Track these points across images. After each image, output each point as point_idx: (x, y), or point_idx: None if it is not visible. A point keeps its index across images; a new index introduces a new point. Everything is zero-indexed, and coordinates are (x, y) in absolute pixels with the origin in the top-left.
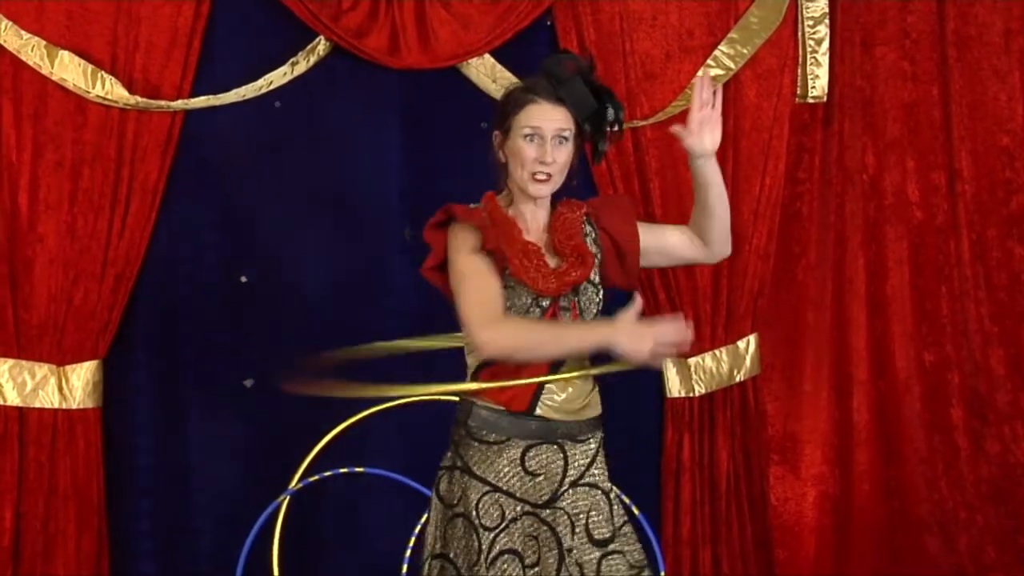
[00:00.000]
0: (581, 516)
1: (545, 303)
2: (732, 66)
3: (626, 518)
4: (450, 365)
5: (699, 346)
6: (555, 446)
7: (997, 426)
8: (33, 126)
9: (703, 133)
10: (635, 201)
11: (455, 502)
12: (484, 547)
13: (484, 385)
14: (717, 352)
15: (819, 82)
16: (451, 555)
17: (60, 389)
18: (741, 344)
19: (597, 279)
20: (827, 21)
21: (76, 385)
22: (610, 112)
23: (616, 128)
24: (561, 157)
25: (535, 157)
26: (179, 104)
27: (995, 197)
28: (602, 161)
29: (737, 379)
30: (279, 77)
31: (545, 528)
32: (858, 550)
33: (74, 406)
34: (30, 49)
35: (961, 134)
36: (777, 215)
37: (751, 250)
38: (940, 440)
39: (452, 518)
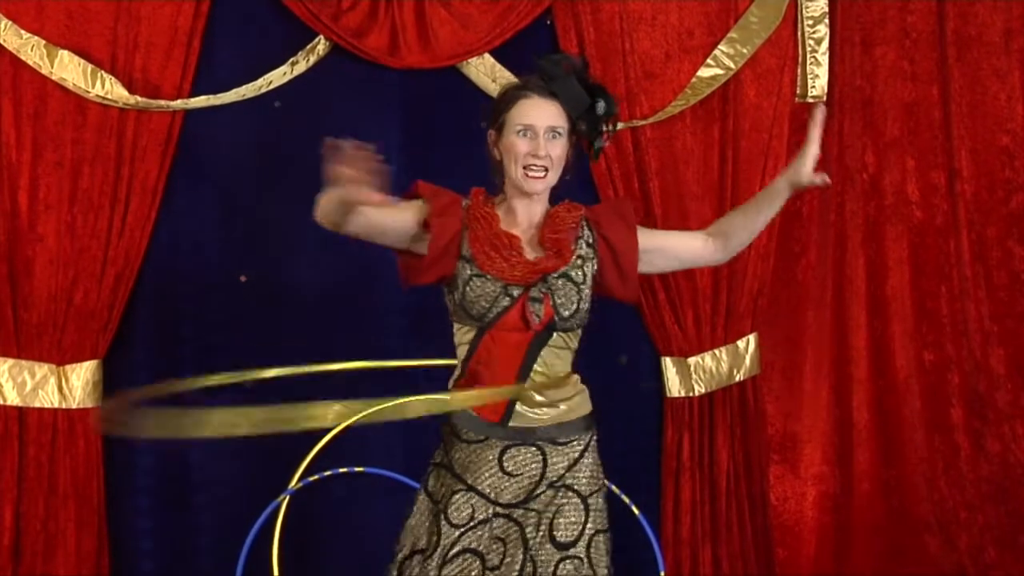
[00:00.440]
0: (548, 517)
1: (515, 292)
2: (732, 66)
3: (604, 528)
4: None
5: (698, 346)
6: (534, 448)
7: (997, 425)
8: (33, 126)
9: (807, 160)
10: (636, 203)
11: (440, 498)
12: (445, 543)
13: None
14: (717, 352)
15: (819, 81)
16: (428, 550)
17: (60, 389)
18: (741, 344)
19: (582, 278)
20: (827, 21)
21: (76, 385)
22: (602, 107)
23: (611, 125)
24: (555, 152)
25: (528, 151)
26: (179, 104)
27: (995, 196)
28: (600, 159)
29: (737, 379)
30: (279, 77)
31: (515, 528)
32: (858, 549)
33: (74, 406)
34: (30, 49)
35: (961, 133)
36: (777, 215)
37: (751, 250)
38: (940, 440)
39: (436, 514)
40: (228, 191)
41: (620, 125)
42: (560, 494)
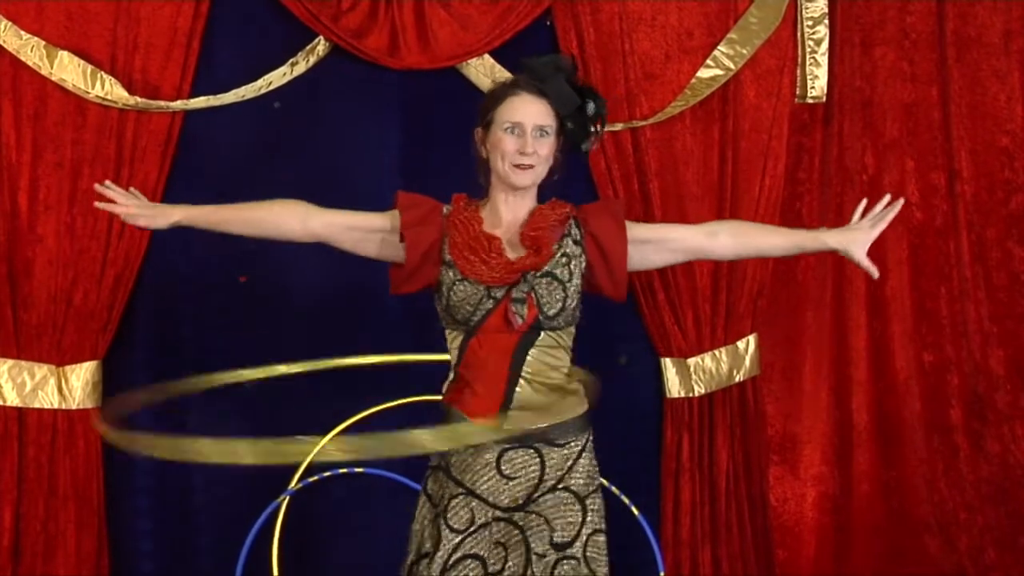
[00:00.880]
0: (548, 519)
1: (498, 294)
2: (731, 66)
3: (601, 528)
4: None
5: (698, 346)
6: (531, 450)
7: (997, 426)
8: (33, 126)
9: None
10: (631, 203)
11: (439, 501)
12: (446, 548)
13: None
14: (717, 352)
15: (818, 82)
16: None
17: (60, 389)
18: (741, 344)
19: (567, 276)
20: (826, 21)
21: (76, 385)
22: (592, 108)
23: (600, 126)
24: (543, 150)
25: (515, 148)
26: (178, 104)
27: (994, 197)
28: (600, 159)
29: (737, 379)
30: (278, 77)
31: (516, 532)
32: (858, 550)
33: (74, 406)
34: (29, 49)
35: (960, 134)
36: (777, 215)
37: None
38: (940, 440)
39: (436, 516)
40: (228, 192)
41: (620, 126)
42: (560, 496)
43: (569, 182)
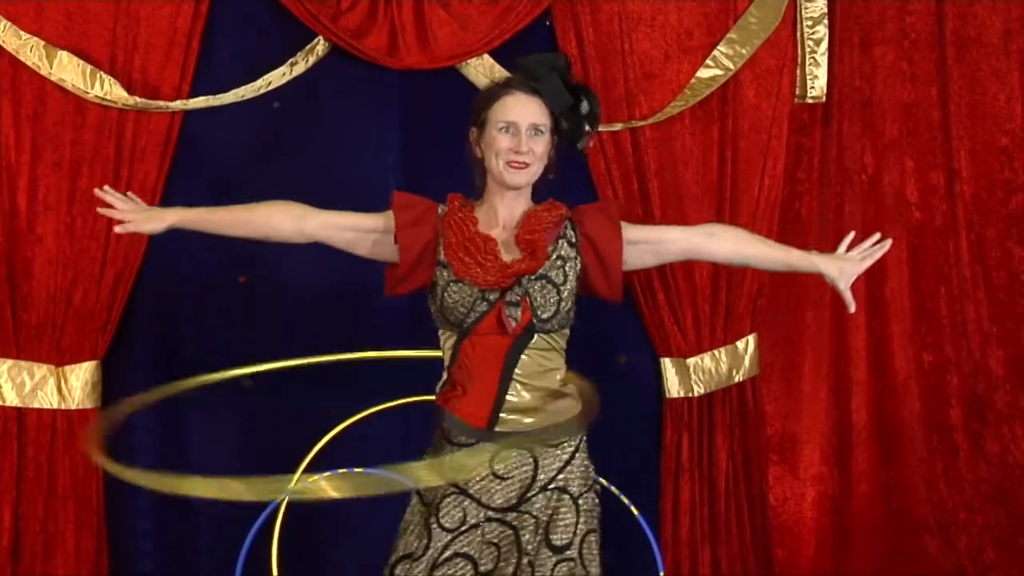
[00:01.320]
0: (544, 520)
1: (492, 297)
2: (731, 66)
3: (595, 528)
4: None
5: (697, 346)
6: (524, 450)
7: (996, 426)
8: (32, 126)
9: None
10: (631, 203)
11: (430, 501)
12: (436, 546)
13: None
14: (716, 352)
15: (818, 82)
16: (415, 554)
17: (59, 389)
18: (740, 344)
19: (562, 279)
20: (826, 21)
21: (75, 385)
22: (585, 106)
23: (594, 124)
24: (537, 148)
25: (510, 147)
26: (178, 104)
27: (994, 197)
28: (600, 160)
29: (736, 379)
30: (278, 77)
31: (509, 532)
32: (857, 550)
33: (73, 406)
34: (29, 49)
35: (960, 134)
36: (776, 215)
37: None
38: (939, 440)
39: (428, 516)
40: (227, 192)
41: (619, 126)
42: (555, 497)
43: (569, 182)
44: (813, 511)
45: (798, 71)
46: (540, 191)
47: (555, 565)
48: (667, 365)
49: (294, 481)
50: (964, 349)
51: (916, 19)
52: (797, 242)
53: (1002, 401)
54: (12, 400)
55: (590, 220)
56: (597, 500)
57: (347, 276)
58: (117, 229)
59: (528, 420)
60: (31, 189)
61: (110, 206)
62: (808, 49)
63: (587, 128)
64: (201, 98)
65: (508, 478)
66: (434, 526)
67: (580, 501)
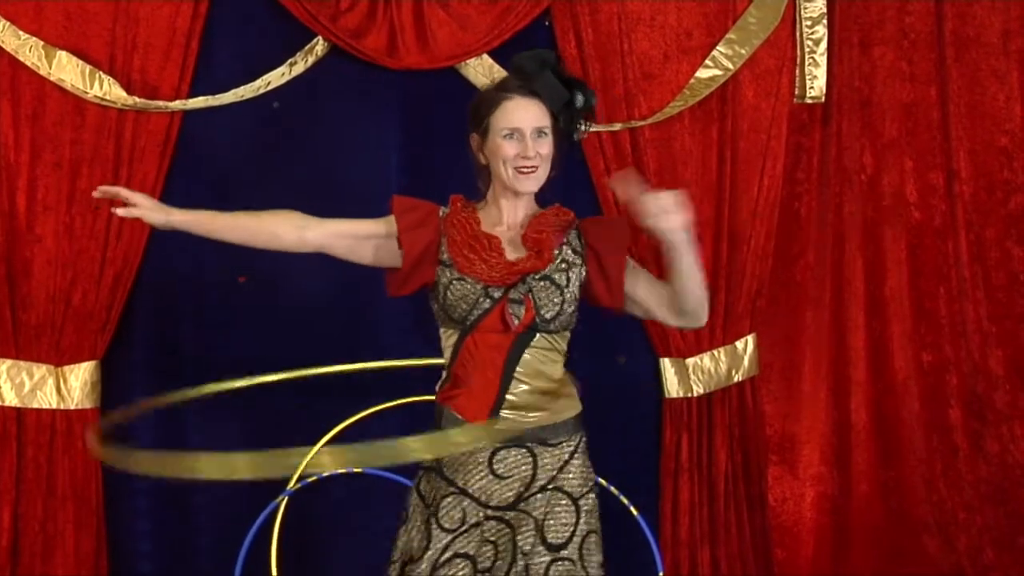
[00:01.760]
0: (540, 519)
1: (496, 294)
2: (730, 66)
3: (596, 529)
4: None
5: (697, 346)
6: (524, 449)
7: (996, 426)
8: (31, 127)
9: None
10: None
11: (431, 502)
12: (436, 547)
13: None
14: (715, 352)
15: (817, 82)
16: (416, 554)
17: (58, 389)
18: (739, 344)
19: (565, 282)
20: (825, 21)
21: (74, 385)
22: (580, 100)
23: (590, 117)
24: (543, 150)
25: (517, 153)
26: (177, 105)
27: (993, 197)
28: (600, 160)
29: (735, 379)
30: (277, 78)
31: (506, 531)
32: (857, 550)
33: (72, 406)
34: (28, 49)
35: (959, 134)
36: (775, 215)
37: (749, 251)
38: (939, 440)
39: (428, 517)
40: (227, 192)
41: (618, 126)
42: (552, 496)
43: (569, 183)
44: (812, 511)
45: (797, 71)
46: (543, 191)
47: (551, 564)
48: (666, 365)
49: (293, 483)
50: (963, 349)
51: (915, 19)
52: (797, 242)
53: (1001, 401)
54: (11, 400)
55: (595, 235)
56: (597, 501)
57: (347, 275)
58: (120, 211)
59: (528, 418)
60: (30, 189)
61: (119, 203)
62: (807, 49)
63: (583, 120)
64: (200, 98)
65: (507, 477)
66: (434, 527)
67: (581, 502)
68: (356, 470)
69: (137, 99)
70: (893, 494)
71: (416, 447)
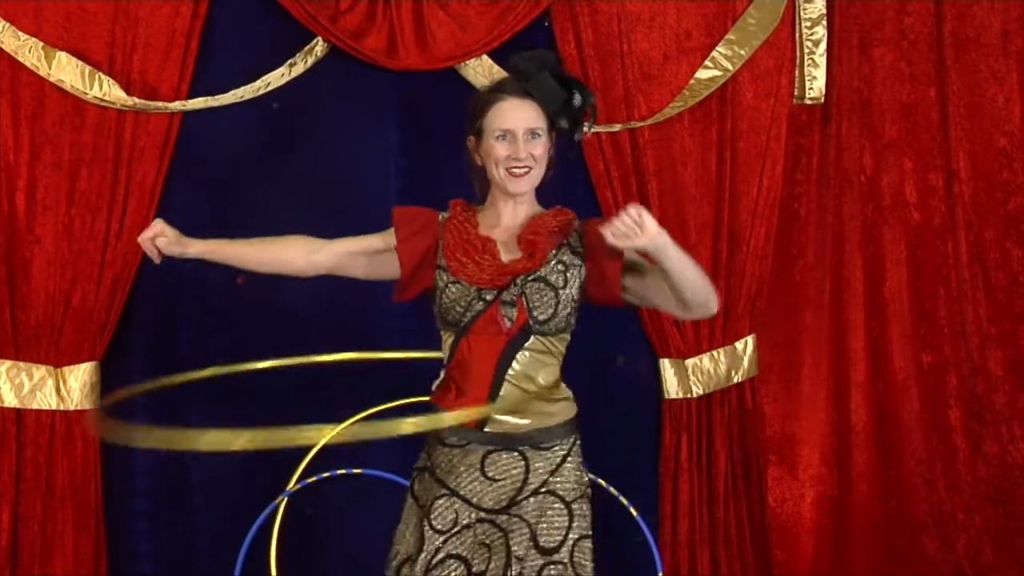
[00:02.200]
0: (532, 522)
1: (488, 296)
2: (730, 67)
3: (588, 534)
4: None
5: (696, 347)
6: (516, 452)
7: (995, 427)
8: (31, 127)
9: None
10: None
11: (424, 503)
12: (429, 549)
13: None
14: (715, 353)
15: (817, 83)
16: (413, 555)
17: (58, 390)
18: (739, 345)
19: (562, 283)
20: (825, 22)
21: (74, 386)
22: (578, 99)
23: (590, 116)
24: (536, 151)
25: (508, 154)
26: (177, 105)
27: (993, 198)
28: (599, 161)
29: (735, 380)
30: (277, 78)
31: (499, 534)
32: (856, 551)
33: (72, 407)
34: (28, 50)
35: (959, 135)
36: (775, 216)
37: (749, 251)
38: (938, 441)
39: (421, 519)
40: (226, 192)
41: (618, 126)
42: (544, 500)
43: (568, 183)
44: (812, 512)
45: (797, 72)
46: (543, 191)
47: (542, 567)
48: (666, 366)
49: (293, 483)
50: (963, 350)
51: (915, 20)
52: (796, 243)
53: (1001, 402)
54: (11, 401)
55: (596, 234)
56: (590, 507)
57: (347, 278)
58: (143, 238)
59: (520, 422)
60: (30, 190)
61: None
62: (807, 50)
63: (582, 120)
64: (200, 99)
65: (499, 480)
66: (426, 528)
67: (574, 506)
68: (355, 471)
69: (137, 100)
70: (892, 494)
71: (409, 424)
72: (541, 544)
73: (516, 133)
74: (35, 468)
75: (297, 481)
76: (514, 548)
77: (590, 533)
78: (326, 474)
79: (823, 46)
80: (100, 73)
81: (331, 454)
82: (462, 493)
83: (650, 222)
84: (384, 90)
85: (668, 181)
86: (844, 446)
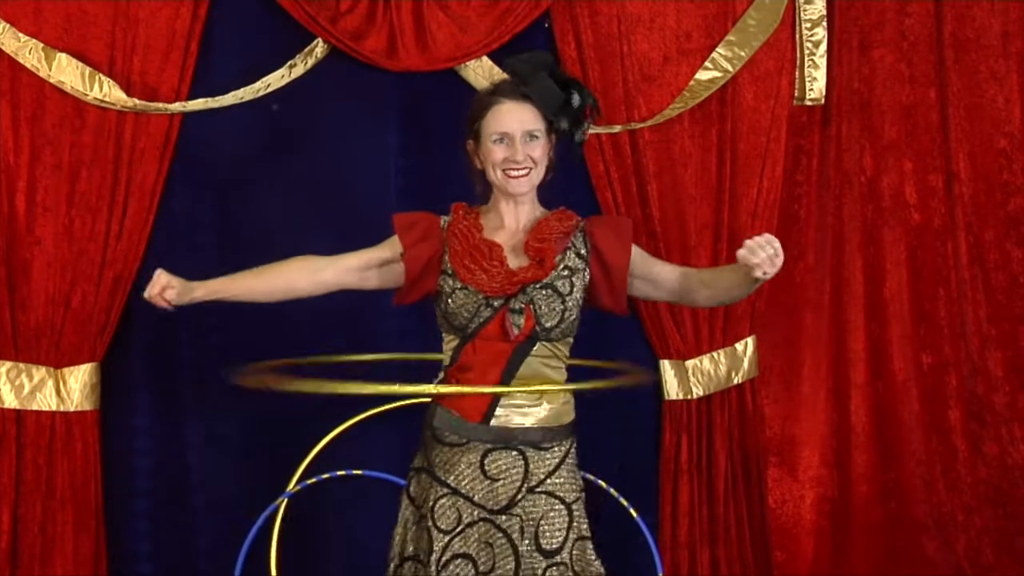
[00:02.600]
0: (532, 523)
1: (496, 303)
2: (730, 68)
3: (587, 535)
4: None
5: (696, 348)
6: (515, 452)
7: (995, 428)
8: (31, 128)
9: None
10: (630, 205)
11: (422, 503)
12: (437, 549)
13: (449, 389)
14: (715, 354)
15: (817, 84)
16: (421, 556)
17: (58, 391)
18: (739, 346)
19: (568, 289)
20: (825, 23)
21: (74, 387)
22: (576, 99)
23: (589, 116)
24: (535, 153)
25: (506, 157)
26: (177, 106)
27: (993, 199)
28: (599, 162)
29: (735, 381)
30: (277, 79)
31: (500, 535)
32: (856, 552)
33: (72, 408)
34: (28, 51)
35: (959, 136)
36: (775, 217)
37: None
38: (938, 442)
39: (421, 519)
40: (226, 194)
41: (618, 128)
42: (544, 500)
43: (568, 184)
44: (812, 513)
45: (797, 73)
46: (543, 192)
47: (545, 570)
48: (666, 367)
49: (293, 484)
50: (963, 351)
51: (915, 21)
52: (796, 244)
53: (1001, 403)
54: (11, 402)
55: (601, 234)
56: (585, 510)
57: None
58: (150, 295)
59: (523, 420)
60: (30, 191)
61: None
62: (807, 51)
63: (583, 120)
64: (200, 100)
65: (499, 479)
66: (433, 530)
67: (573, 508)
68: (355, 472)
69: (137, 101)
70: (892, 495)
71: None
72: (543, 546)
73: (514, 136)
74: (35, 469)
75: (297, 482)
76: (520, 549)
77: (588, 535)
78: (326, 475)
79: (823, 47)
80: (100, 74)
81: (331, 455)
82: (463, 491)
83: (780, 259)
84: (384, 91)
85: (668, 182)
86: (844, 447)
